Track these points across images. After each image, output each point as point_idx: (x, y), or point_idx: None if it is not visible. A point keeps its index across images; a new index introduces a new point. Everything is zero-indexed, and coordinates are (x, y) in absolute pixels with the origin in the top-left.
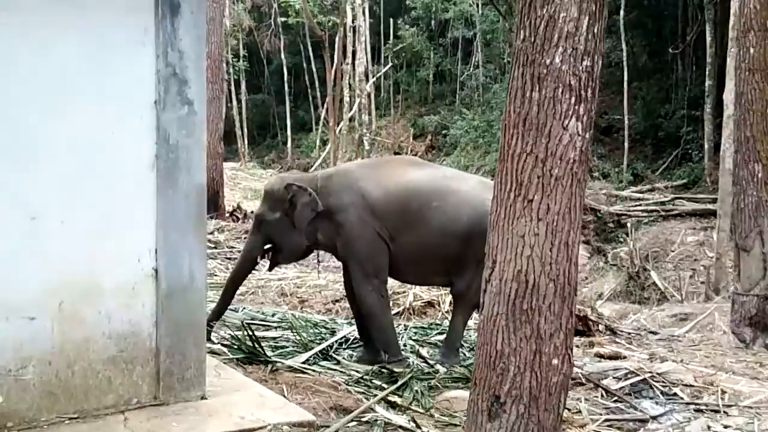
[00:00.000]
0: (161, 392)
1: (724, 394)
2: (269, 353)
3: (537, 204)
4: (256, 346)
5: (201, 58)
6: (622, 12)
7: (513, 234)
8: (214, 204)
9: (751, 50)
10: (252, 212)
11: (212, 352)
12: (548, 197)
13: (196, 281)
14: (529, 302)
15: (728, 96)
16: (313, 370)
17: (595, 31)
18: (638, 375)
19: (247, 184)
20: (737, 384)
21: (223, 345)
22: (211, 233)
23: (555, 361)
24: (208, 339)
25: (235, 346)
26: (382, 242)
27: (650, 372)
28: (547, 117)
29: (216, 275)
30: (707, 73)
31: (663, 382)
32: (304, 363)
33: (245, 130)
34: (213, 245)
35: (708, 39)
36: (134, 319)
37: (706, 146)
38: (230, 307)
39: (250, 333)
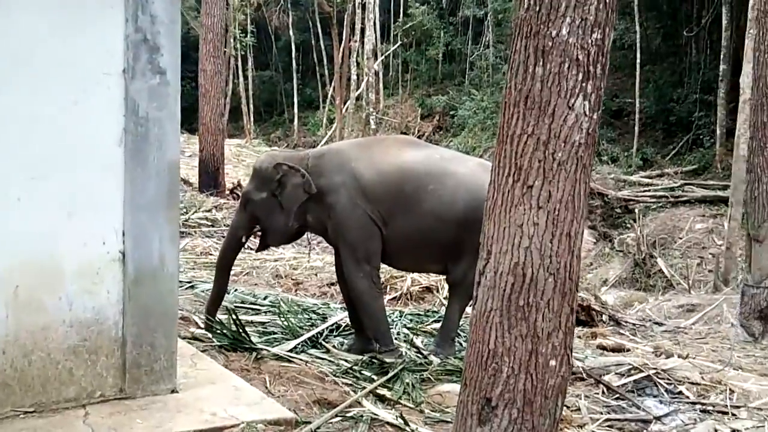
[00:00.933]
0: (127, 385)
1: (732, 393)
2: (256, 340)
3: (537, 191)
4: (241, 332)
5: (175, 23)
6: None
7: (510, 223)
8: (214, 181)
9: None
10: None
11: (194, 338)
12: (550, 183)
13: (167, 266)
14: (526, 298)
15: (745, 80)
16: (300, 359)
17: (607, 0)
18: (642, 371)
19: (251, 162)
20: (746, 382)
21: (207, 330)
22: (209, 211)
23: (552, 363)
24: (210, 330)
25: (219, 332)
26: (374, 226)
27: (655, 368)
28: (551, 94)
29: (211, 254)
30: (722, 57)
31: (668, 379)
32: (291, 351)
33: (251, 106)
34: (210, 223)
35: (724, 22)
36: (98, 306)
37: (718, 132)
38: None
39: (235, 318)
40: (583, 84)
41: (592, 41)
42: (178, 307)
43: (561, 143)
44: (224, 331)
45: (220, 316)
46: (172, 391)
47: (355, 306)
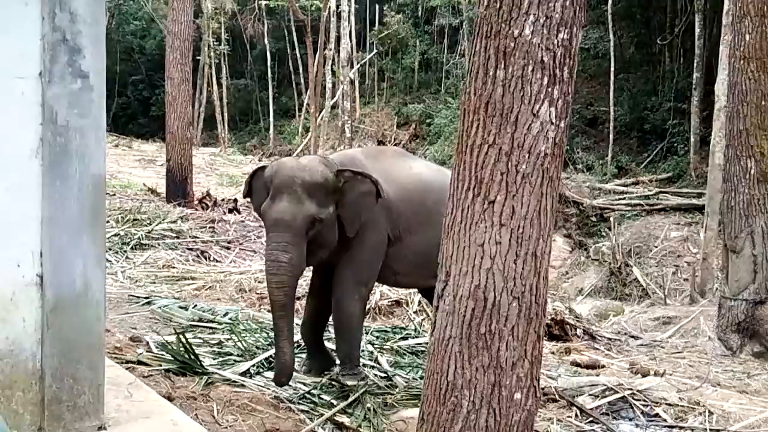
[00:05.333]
0: (47, 423)
1: (711, 415)
2: (209, 362)
3: (500, 206)
4: (190, 355)
5: (99, 22)
6: (610, 2)
7: (470, 242)
8: (182, 191)
9: (747, 37)
10: (226, 200)
11: (140, 363)
12: (513, 198)
13: (92, 291)
14: (488, 324)
15: (720, 87)
16: (255, 383)
17: None
18: (617, 392)
19: (225, 171)
20: (726, 401)
21: (155, 353)
22: (174, 222)
23: (517, 396)
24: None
25: (167, 355)
26: (386, 245)
27: (630, 389)
28: (514, 100)
29: (174, 267)
30: (695, 65)
31: (644, 400)
32: (245, 374)
33: (225, 115)
34: (175, 235)
35: (697, 30)
36: (12, 337)
37: (692, 139)
38: (180, 304)
39: (184, 340)
40: (549, 89)
41: (558, 42)
42: (105, 333)
43: (525, 154)
44: (173, 354)
45: (169, 337)
46: (99, 429)
47: (336, 328)
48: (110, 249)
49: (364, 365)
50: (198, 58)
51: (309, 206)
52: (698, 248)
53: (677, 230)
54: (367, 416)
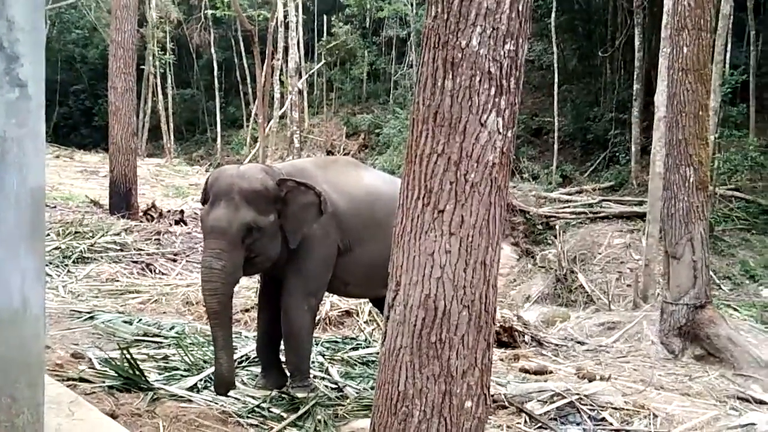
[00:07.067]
0: None
1: (656, 418)
2: (155, 377)
3: (449, 215)
4: (135, 371)
5: (38, 30)
6: (553, 15)
7: (420, 251)
8: (126, 202)
9: (685, 49)
10: (172, 211)
11: (82, 380)
12: (462, 207)
13: (31, 307)
14: (438, 333)
15: (659, 98)
16: (202, 398)
17: (520, 8)
18: (565, 397)
19: (171, 182)
20: (669, 404)
21: (97, 369)
22: (118, 234)
23: (468, 404)
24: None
25: (111, 371)
26: (335, 257)
27: (578, 394)
28: (462, 110)
29: (118, 281)
30: (635, 76)
31: (591, 405)
32: (191, 389)
33: (171, 125)
34: (119, 247)
35: (636, 43)
36: None
37: (633, 149)
38: (124, 318)
39: (128, 355)
40: (496, 99)
41: (504, 53)
42: (46, 350)
43: (473, 163)
44: (116, 370)
45: (112, 352)
46: None
47: (286, 340)
48: (51, 263)
49: (315, 377)
50: (142, 67)
51: (245, 214)
52: (640, 255)
53: (620, 237)
54: (317, 428)
